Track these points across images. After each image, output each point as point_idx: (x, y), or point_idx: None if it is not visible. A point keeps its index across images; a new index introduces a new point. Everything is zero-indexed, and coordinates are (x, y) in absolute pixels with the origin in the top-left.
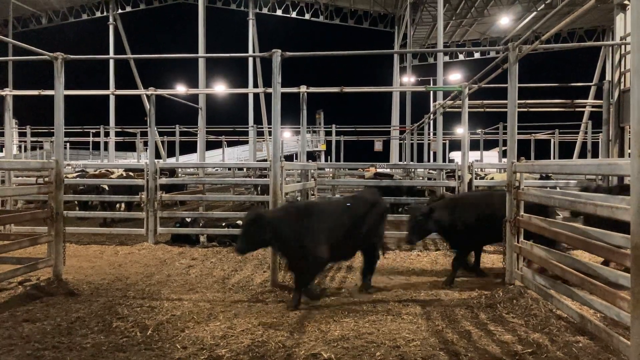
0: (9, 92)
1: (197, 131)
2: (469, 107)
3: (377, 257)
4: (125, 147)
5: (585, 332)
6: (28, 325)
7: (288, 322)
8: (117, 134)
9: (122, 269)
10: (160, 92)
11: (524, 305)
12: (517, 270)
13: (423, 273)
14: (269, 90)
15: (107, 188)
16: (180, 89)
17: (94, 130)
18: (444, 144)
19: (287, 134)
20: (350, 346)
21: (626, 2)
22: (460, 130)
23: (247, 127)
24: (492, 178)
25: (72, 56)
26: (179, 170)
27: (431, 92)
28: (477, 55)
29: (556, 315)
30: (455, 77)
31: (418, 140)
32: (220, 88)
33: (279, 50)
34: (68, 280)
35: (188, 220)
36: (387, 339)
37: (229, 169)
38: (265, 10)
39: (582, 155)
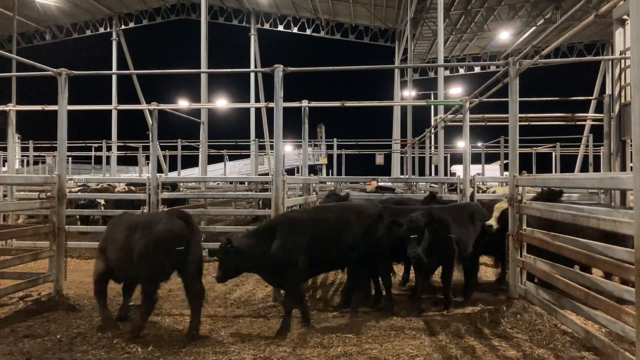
0: (12, 107)
1: (199, 145)
2: (470, 121)
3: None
4: (127, 161)
5: (590, 348)
6: (29, 341)
7: (290, 338)
8: (119, 149)
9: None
10: (162, 107)
11: (528, 320)
12: (520, 285)
13: (425, 288)
14: (271, 104)
15: (103, 202)
16: (183, 103)
17: (96, 145)
18: (446, 158)
19: (288, 147)
20: None
21: (625, 17)
22: (462, 144)
23: (249, 141)
24: (494, 192)
25: (75, 72)
26: (181, 184)
27: (432, 106)
28: (477, 70)
29: (561, 330)
30: (456, 91)
31: (419, 153)
32: (222, 102)
33: (281, 66)
34: (69, 295)
35: None
36: (390, 354)
37: (231, 182)
38: (267, 26)
39: (584, 168)
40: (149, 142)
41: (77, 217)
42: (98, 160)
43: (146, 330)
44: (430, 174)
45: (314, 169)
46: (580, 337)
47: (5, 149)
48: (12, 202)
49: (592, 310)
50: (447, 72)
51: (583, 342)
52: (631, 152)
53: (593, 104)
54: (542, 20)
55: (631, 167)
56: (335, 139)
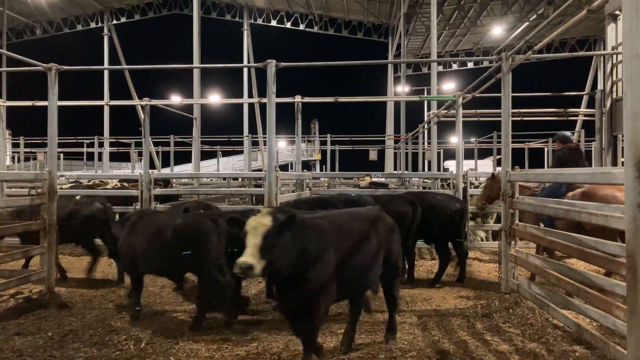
0: (2, 103)
1: (191, 141)
2: (463, 117)
3: None
4: (119, 157)
5: (582, 342)
6: (20, 338)
7: (284, 334)
8: (112, 145)
9: (116, 280)
10: (154, 102)
11: (520, 315)
12: (512, 280)
13: (419, 283)
14: (264, 100)
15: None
16: (175, 99)
17: (88, 141)
18: (439, 153)
19: (282, 143)
20: (347, 358)
21: (617, 12)
22: (455, 140)
23: (242, 137)
24: None
25: (66, 67)
26: (174, 180)
27: (425, 102)
28: (470, 65)
29: (553, 324)
30: (449, 86)
31: (413, 149)
32: (215, 98)
33: (274, 61)
34: (61, 292)
35: None
36: (383, 350)
37: (224, 178)
38: (259, 21)
39: None
40: (141, 138)
41: None
42: (90, 156)
43: (138, 327)
44: (424, 170)
45: (307, 165)
46: (572, 331)
47: None
48: (2, 199)
49: (584, 304)
50: (440, 68)
51: (575, 336)
52: (622, 146)
53: (585, 99)
54: (535, 16)
55: (622, 161)
56: (328, 135)
